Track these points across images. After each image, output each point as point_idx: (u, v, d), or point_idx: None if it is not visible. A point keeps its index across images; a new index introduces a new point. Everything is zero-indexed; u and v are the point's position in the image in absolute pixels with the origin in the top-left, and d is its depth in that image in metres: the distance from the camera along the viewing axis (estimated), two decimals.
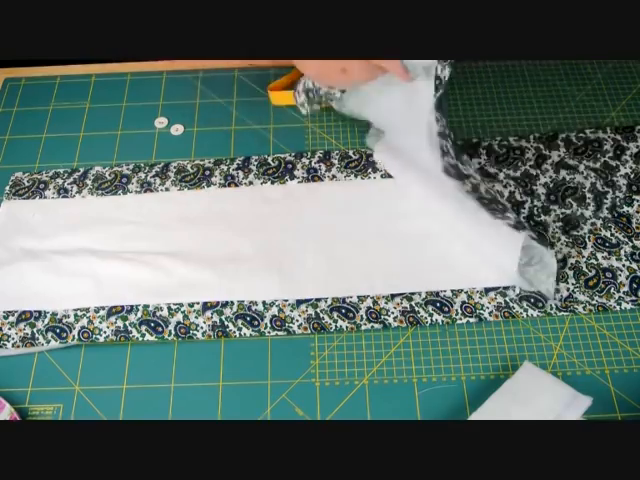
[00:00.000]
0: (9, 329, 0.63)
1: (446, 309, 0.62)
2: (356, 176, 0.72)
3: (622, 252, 0.65)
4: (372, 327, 0.62)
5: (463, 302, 0.63)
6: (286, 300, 0.64)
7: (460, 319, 0.62)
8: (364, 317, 0.62)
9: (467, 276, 0.64)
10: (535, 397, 0.54)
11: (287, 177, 0.72)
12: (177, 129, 0.78)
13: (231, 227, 0.69)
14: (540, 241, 0.61)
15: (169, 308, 0.64)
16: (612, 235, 0.66)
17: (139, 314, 0.63)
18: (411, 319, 0.62)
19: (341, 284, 0.64)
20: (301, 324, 0.62)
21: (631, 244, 0.65)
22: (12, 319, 0.64)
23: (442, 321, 0.62)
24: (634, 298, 0.62)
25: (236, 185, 0.72)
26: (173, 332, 0.62)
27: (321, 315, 0.62)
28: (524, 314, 0.62)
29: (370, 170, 0.72)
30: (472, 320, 0.61)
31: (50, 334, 0.62)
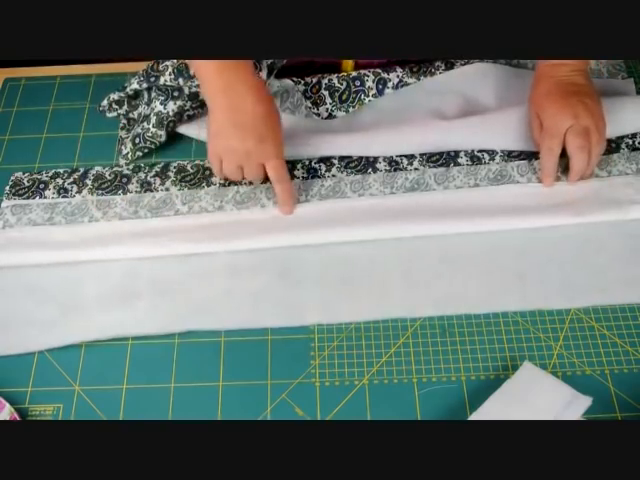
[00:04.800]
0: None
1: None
2: (356, 175, 0.72)
3: None
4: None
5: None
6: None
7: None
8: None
9: None
10: (535, 397, 0.54)
11: None
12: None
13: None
14: None
15: None
16: None
17: None
18: None
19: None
20: None
21: None
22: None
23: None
24: None
25: (236, 184, 0.72)
26: None
27: None
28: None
29: (370, 170, 0.72)
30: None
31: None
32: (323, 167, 0.73)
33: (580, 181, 0.69)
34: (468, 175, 0.71)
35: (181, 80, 0.72)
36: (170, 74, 0.72)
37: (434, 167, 0.72)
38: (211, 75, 0.64)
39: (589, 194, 0.68)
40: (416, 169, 0.72)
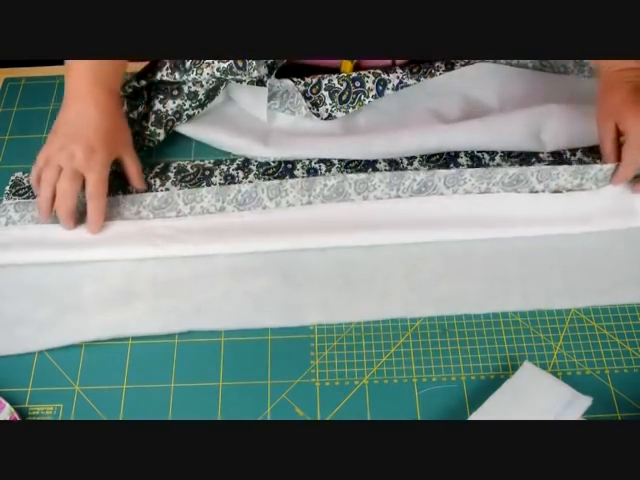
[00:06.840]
0: None
1: None
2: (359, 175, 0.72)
3: None
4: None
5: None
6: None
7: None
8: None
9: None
10: (535, 397, 0.54)
11: (287, 177, 0.72)
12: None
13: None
14: None
15: None
16: None
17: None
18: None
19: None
20: None
21: None
22: None
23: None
24: None
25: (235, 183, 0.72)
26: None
27: None
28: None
29: (370, 170, 0.72)
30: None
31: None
32: (323, 167, 0.73)
33: (587, 190, 0.68)
34: (480, 179, 0.68)
35: (177, 74, 0.72)
36: (167, 69, 0.73)
37: (435, 167, 0.72)
38: (75, 78, 0.68)
39: (596, 201, 0.68)
40: (416, 169, 0.72)
